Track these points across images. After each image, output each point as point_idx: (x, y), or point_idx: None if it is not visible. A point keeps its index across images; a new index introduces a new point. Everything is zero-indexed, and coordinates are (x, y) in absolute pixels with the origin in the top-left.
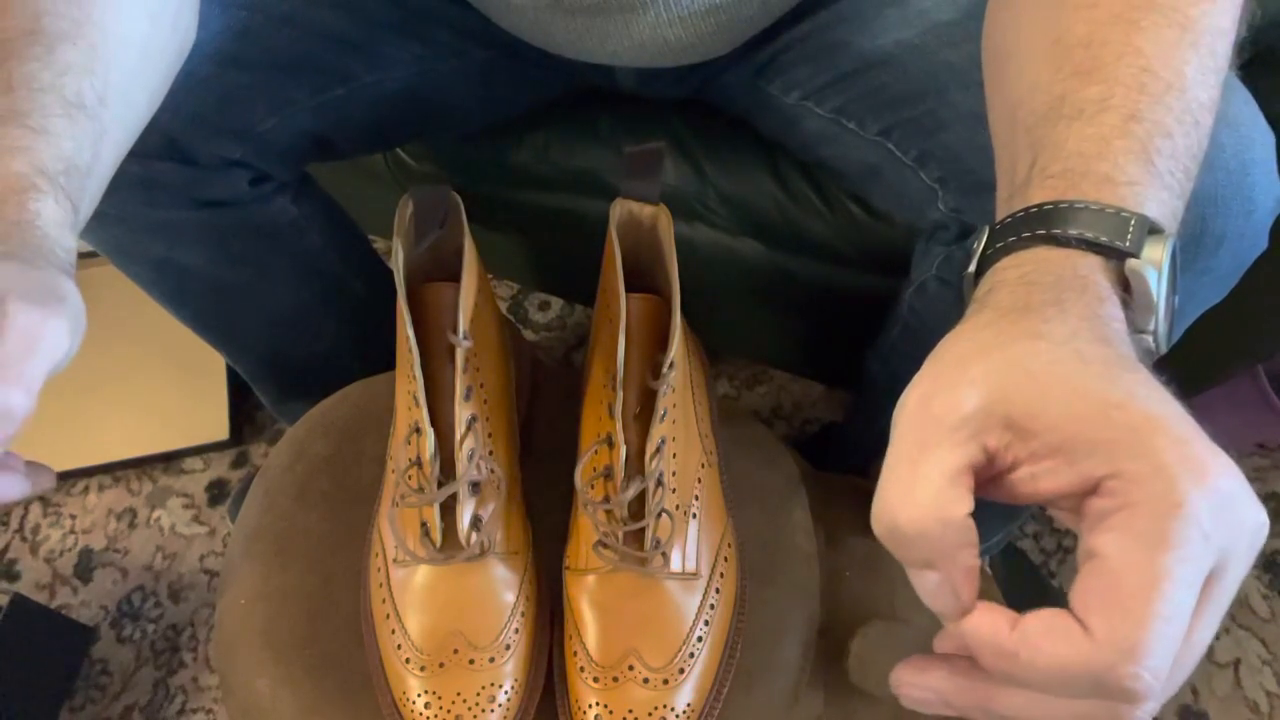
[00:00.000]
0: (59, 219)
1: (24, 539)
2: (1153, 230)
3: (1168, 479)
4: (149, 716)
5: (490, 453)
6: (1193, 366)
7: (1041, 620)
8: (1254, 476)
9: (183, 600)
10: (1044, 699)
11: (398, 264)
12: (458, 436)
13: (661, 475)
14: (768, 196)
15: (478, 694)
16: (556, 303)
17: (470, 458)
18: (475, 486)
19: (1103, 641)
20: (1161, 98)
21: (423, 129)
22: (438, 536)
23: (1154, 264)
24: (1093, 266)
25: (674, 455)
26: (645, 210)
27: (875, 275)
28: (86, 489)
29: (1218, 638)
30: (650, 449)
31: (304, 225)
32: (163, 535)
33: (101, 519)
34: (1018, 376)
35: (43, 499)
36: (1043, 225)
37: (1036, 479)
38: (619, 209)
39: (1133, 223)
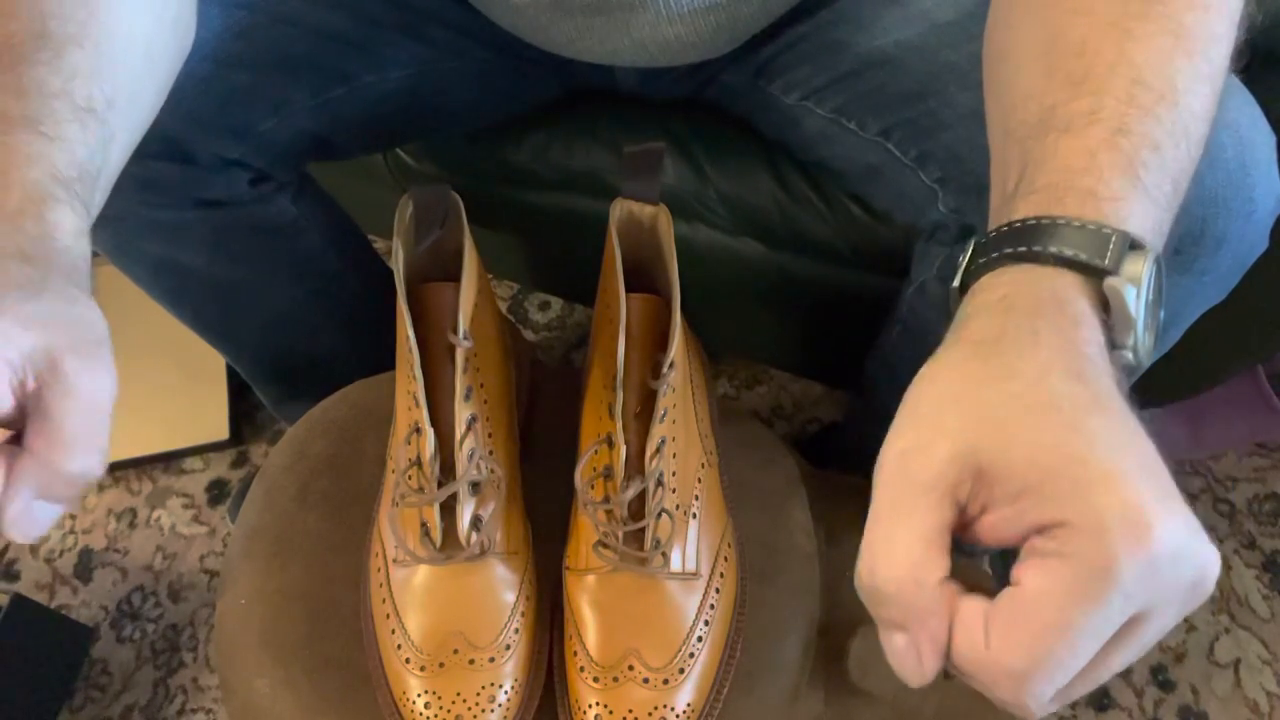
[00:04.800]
0: (75, 227)
1: None
2: (1135, 246)
3: (1104, 540)
4: (149, 716)
5: (490, 453)
6: (1193, 366)
7: (966, 608)
8: (1254, 477)
9: (183, 600)
10: None
11: (398, 264)
12: (458, 436)
13: (661, 475)
14: (768, 196)
15: (478, 694)
16: (556, 303)
17: (470, 458)
18: (475, 486)
19: (995, 657)
20: (1152, 109)
21: (423, 129)
22: (438, 536)
23: (1133, 281)
24: (1070, 285)
25: (674, 455)
26: (645, 210)
27: (875, 275)
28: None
29: (1217, 638)
30: (650, 449)
31: (303, 225)
32: (163, 535)
33: (101, 519)
34: (988, 427)
35: None
36: (1024, 242)
37: (997, 527)
38: (619, 209)
39: (1113, 240)
